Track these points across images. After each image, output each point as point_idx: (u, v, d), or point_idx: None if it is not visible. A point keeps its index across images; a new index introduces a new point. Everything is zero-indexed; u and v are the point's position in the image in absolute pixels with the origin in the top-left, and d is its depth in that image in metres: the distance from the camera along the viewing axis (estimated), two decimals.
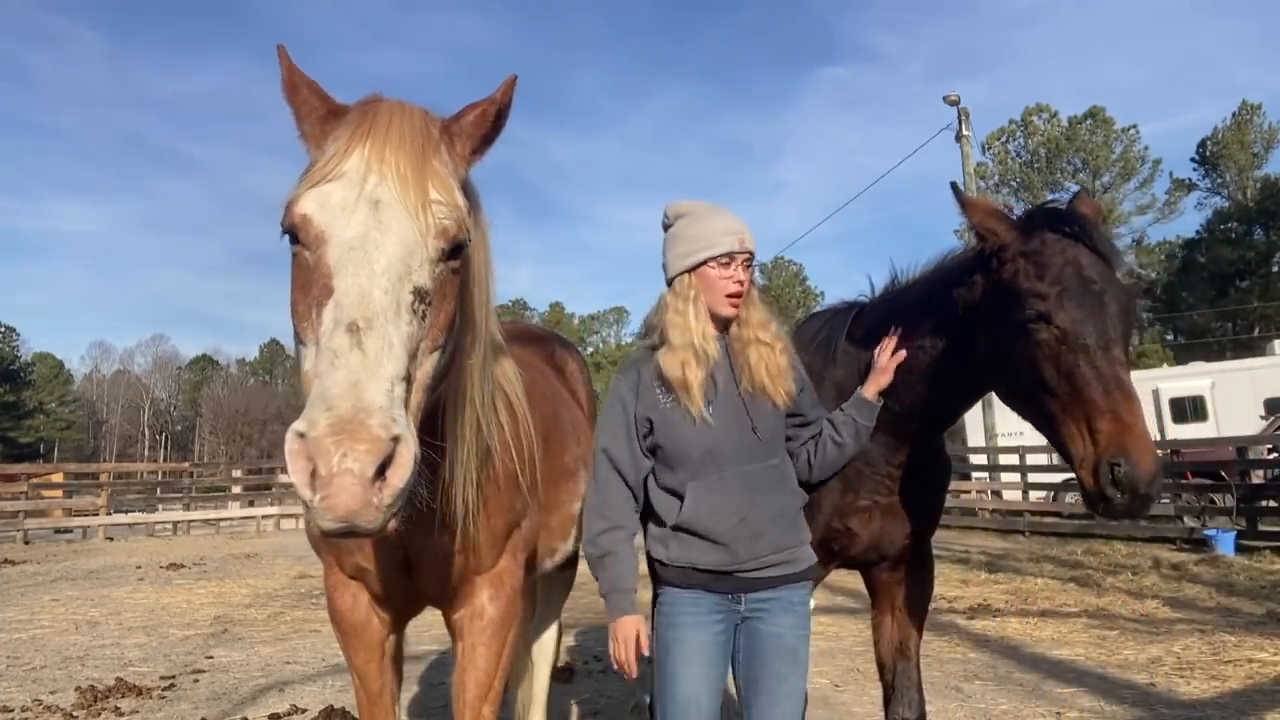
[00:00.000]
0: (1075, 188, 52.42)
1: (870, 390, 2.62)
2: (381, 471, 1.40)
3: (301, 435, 1.40)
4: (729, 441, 2.42)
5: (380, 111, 1.79)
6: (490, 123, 1.97)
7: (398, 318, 1.59)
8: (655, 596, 2.51)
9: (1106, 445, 2.14)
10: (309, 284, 1.66)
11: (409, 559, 2.39)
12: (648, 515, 2.52)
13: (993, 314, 2.46)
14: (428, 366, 1.70)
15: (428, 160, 1.77)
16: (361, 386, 1.43)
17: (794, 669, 2.42)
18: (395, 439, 1.41)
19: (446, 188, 1.78)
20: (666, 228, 2.60)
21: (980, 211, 2.54)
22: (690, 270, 2.46)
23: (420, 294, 1.66)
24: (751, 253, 2.48)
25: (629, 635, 2.32)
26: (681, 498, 2.41)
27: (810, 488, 2.60)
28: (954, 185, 2.58)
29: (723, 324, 2.49)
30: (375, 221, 1.65)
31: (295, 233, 1.70)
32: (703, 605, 2.41)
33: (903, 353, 2.66)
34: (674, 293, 2.49)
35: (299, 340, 1.69)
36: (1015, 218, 2.53)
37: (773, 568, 2.43)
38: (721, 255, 2.42)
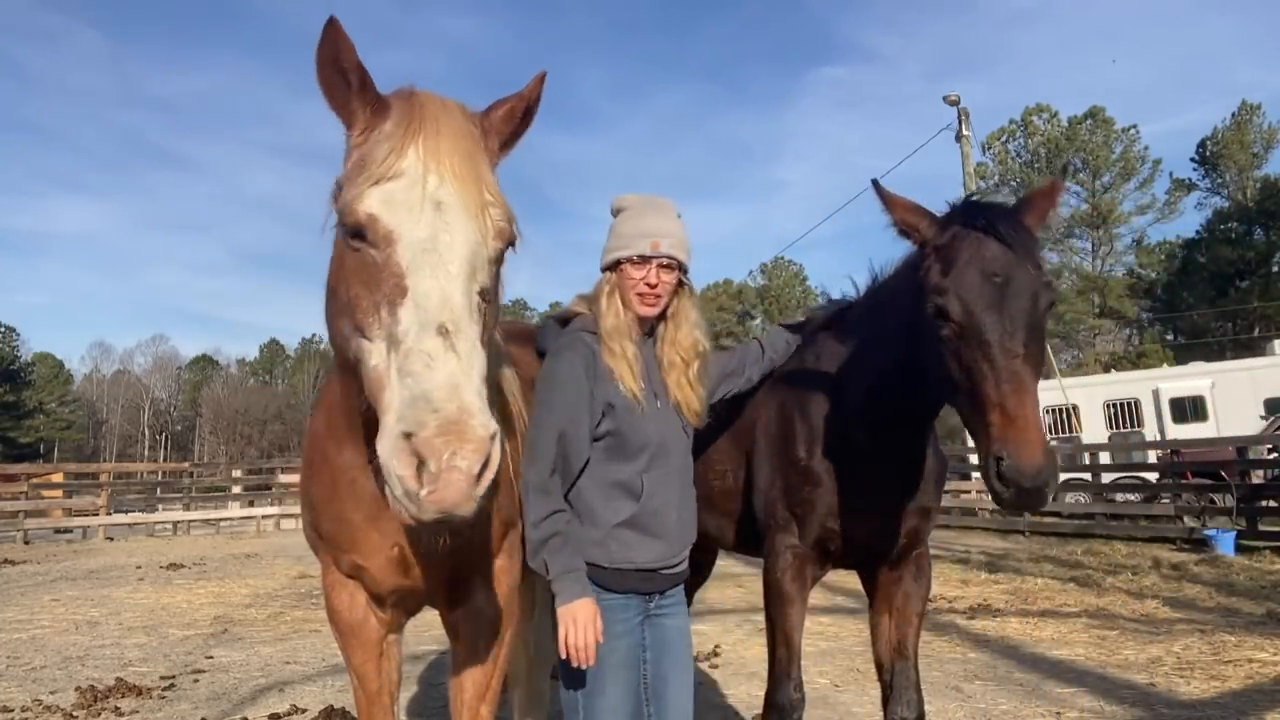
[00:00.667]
0: (1076, 188, 52.61)
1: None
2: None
3: (408, 435, 1.49)
4: (673, 434, 2.52)
5: (427, 108, 1.79)
6: (519, 119, 2.00)
7: (471, 319, 1.66)
8: None
9: (993, 439, 2.13)
10: (374, 281, 1.68)
11: (405, 558, 2.39)
12: (583, 517, 2.45)
13: (919, 312, 2.44)
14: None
15: (479, 161, 1.80)
16: (461, 389, 1.53)
17: (690, 656, 2.62)
18: (492, 437, 1.53)
19: (496, 189, 1.82)
20: (613, 216, 2.66)
21: (900, 209, 2.52)
22: (609, 267, 2.53)
23: (484, 294, 1.74)
24: (672, 257, 2.48)
25: (589, 618, 2.27)
26: (632, 492, 2.43)
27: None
28: (874, 182, 2.55)
29: (648, 324, 2.54)
30: (443, 223, 1.68)
31: (361, 230, 1.70)
32: (631, 609, 2.45)
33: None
34: (600, 285, 2.57)
35: (360, 334, 1.71)
36: (936, 214, 2.51)
37: (681, 565, 2.56)
38: (635, 256, 2.47)
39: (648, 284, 2.47)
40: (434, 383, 1.52)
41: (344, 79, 1.82)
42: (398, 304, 1.63)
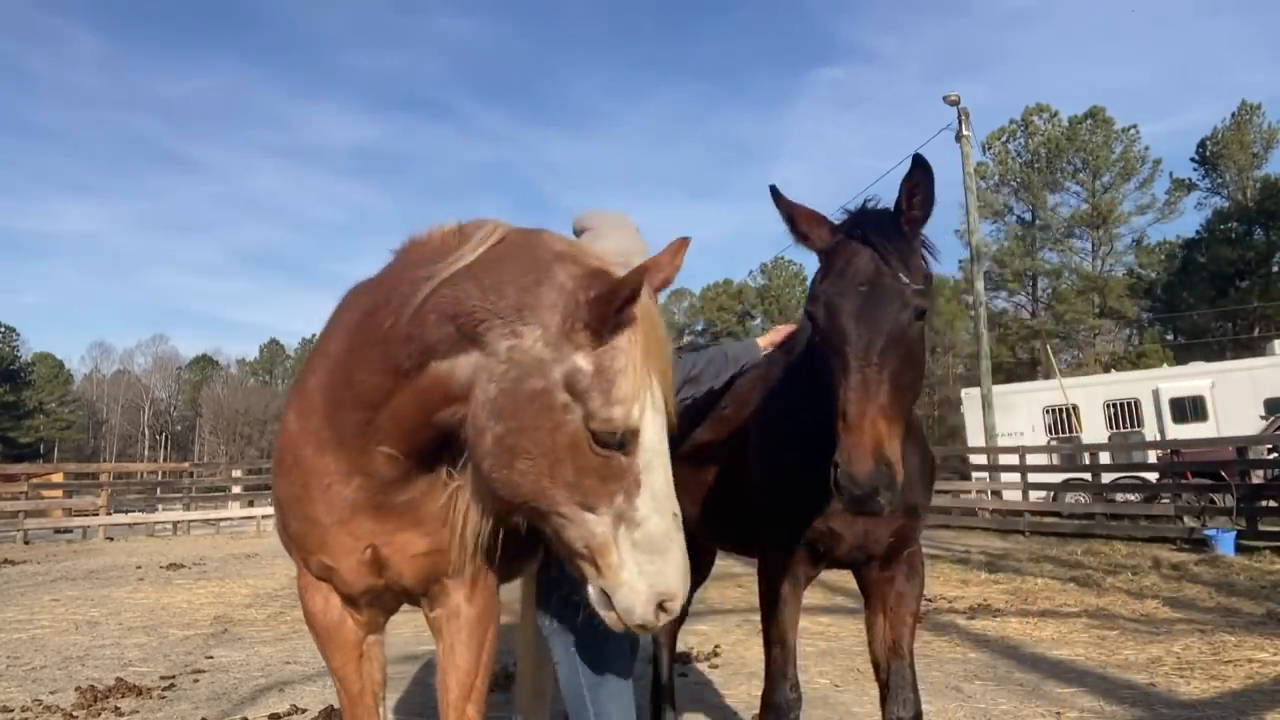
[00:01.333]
0: (1076, 188, 52.61)
1: (761, 340, 2.95)
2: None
3: (661, 595, 1.97)
4: None
5: (650, 322, 2.04)
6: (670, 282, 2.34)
7: None
8: (560, 583, 2.56)
9: (838, 444, 2.18)
10: (615, 479, 1.98)
11: (379, 558, 2.39)
12: None
13: None
14: None
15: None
16: (686, 570, 2.03)
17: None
18: None
19: None
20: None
21: (800, 218, 2.52)
22: None
23: None
24: None
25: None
26: None
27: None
28: (773, 188, 2.55)
29: None
30: (661, 424, 2.05)
31: (620, 442, 1.97)
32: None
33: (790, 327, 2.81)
34: None
35: (582, 507, 2.00)
36: (833, 222, 2.50)
37: None
38: None
39: None
40: (675, 563, 1.97)
41: (603, 317, 2.00)
42: (635, 494, 1.97)
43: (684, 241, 2.24)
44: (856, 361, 2.20)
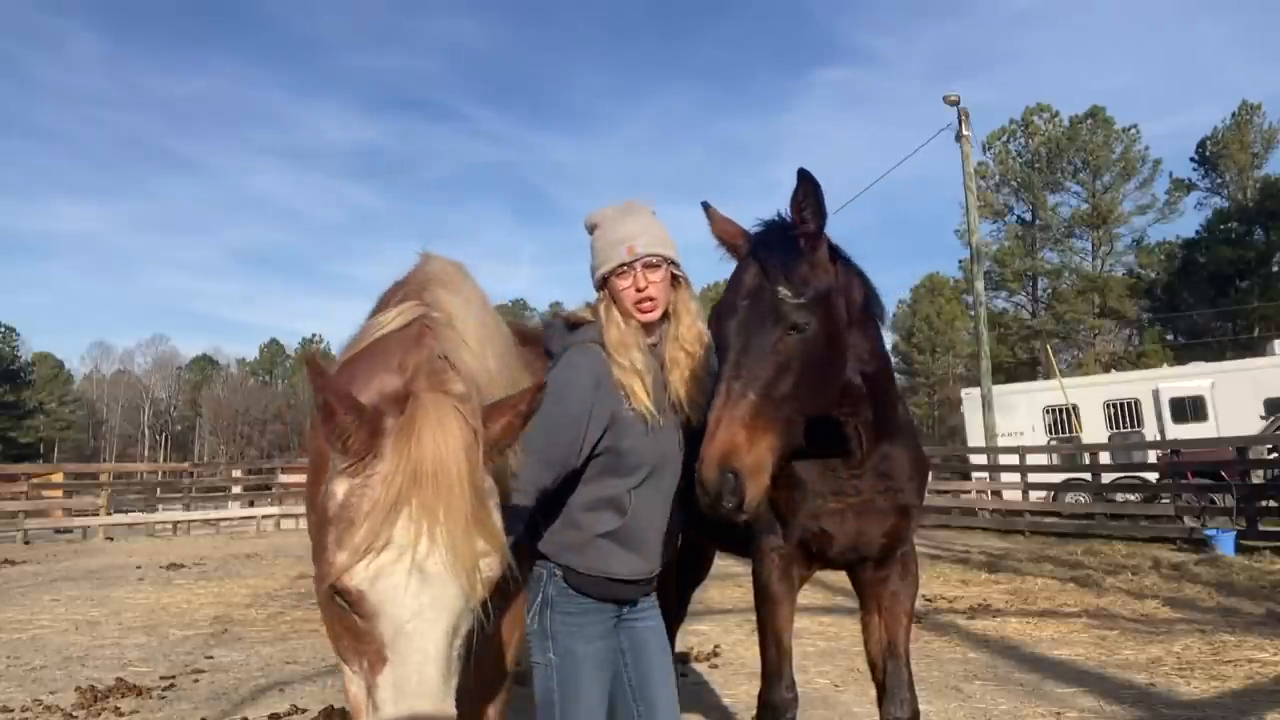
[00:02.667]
0: (1076, 188, 52.60)
1: None
2: None
3: None
4: (671, 452, 2.50)
5: (425, 444, 1.64)
6: (516, 431, 1.85)
7: (449, 680, 1.65)
8: (544, 601, 2.44)
9: None
10: (359, 639, 1.66)
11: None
12: (560, 521, 2.46)
13: None
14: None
15: (477, 508, 1.67)
16: None
17: (667, 653, 2.63)
18: None
19: (494, 532, 1.71)
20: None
21: (721, 234, 2.61)
22: (600, 287, 2.53)
23: (462, 636, 1.70)
24: (653, 254, 2.44)
25: None
26: (619, 508, 2.42)
27: None
28: (705, 204, 2.63)
29: (653, 328, 2.50)
30: (428, 599, 1.60)
31: (346, 600, 1.64)
32: (605, 613, 2.46)
33: None
34: (597, 303, 2.56)
35: (343, 656, 1.75)
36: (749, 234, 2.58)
37: (655, 575, 2.57)
38: (618, 267, 2.45)
39: (637, 289, 2.44)
40: None
41: (335, 413, 1.67)
42: (378, 670, 1.61)
43: (534, 395, 1.82)
44: (725, 372, 2.26)
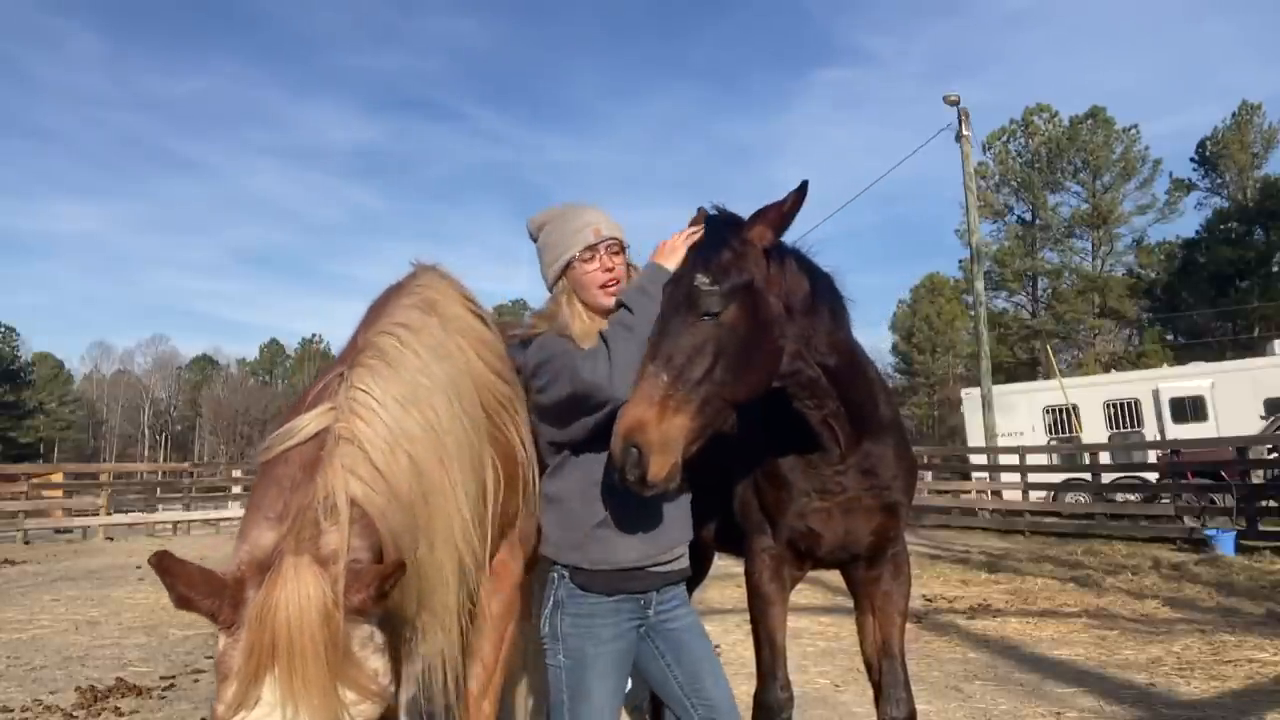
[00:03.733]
0: (1076, 188, 52.60)
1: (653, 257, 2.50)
2: None
3: None
4: None
5: (279, 630, 1.78)
6: (375, 603, 1.88)
7: None
8: (554, 604, 2.46)
9: None
10: None
11: None
12: (559, 521, 2.48)
13: None
14: None
15: (342, 667, 1.79)
16: None
17: (709, 645, 2.60)
18: None
19: (364, 682, 1.81)
20: (535, 241, 2.66)
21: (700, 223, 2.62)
22: (561, 275, 2.54)
23: None
24: (615, 239, 2.53)
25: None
26: (606, 493, 2.42)
27: None
28: (701, 211, 2.63)
29: (608, 313, 2.50)
30: None
31: None
32: (621, 613, 2.43)
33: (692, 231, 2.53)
34: (554, 299, 2.57)
35: None
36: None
37: (674, 562, 2.52)
38: (583, 251, 2.49)
39: (605, 269, 2.50)
40: None
41: (192, 603, 1.84)
42: None
43: (396, 576, 1.86)
44: (646, 354, 2.30)
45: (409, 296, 2.48)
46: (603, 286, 2.50)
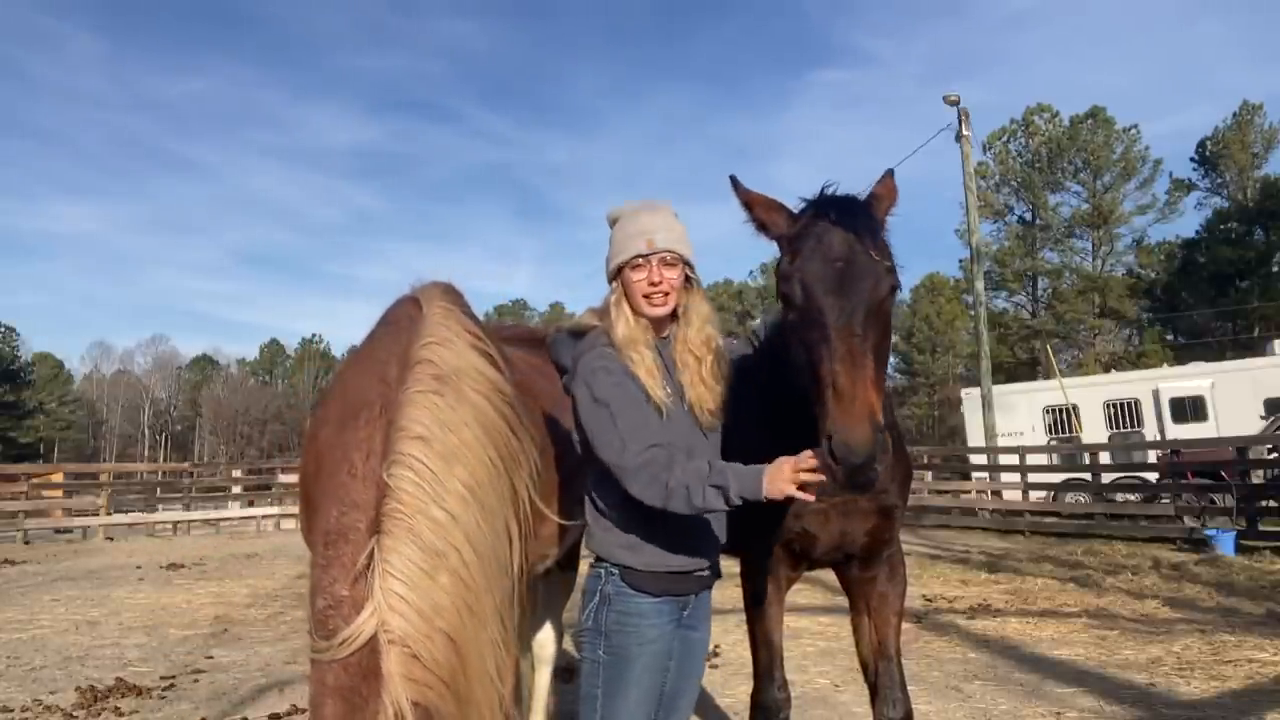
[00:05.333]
0: (1076, 188, 52.59)
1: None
2: None
3: None
4: (696, 438, 2.47)
5: None
6: None
7: None
8: (601, 599, 2.44)
9: (825, 418, 2.14)
10: None
11: None
12: (612, 522, 2.46)
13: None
14: None
15: None
16: None
17: (703, 667, 2.69)
18: None
19: None
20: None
21: (758, 205, 2.54)
22: (614, 277, 2.53)
23: None
24: (670, 251, 2.47)
25: (785, 466, 2.21)
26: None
27: None
28: (732, 178, 2.57)
29: (663, 326, 2.52)
30: None
31: None
32: (664, 615, 2.43)
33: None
34: (607, 298, 2.56)
35: None
36: (791, 209, 2.53)
37: (710, 569, 2.54)
38: (634, 258, 2.46)
39: (651, 282, 2.45)
40: None
41: None
42: None
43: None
44: (841, 333, 2.20)
45: (419, 369, 2.50)
46: (647, 296, 2.47)
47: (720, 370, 2.54)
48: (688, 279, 2.53)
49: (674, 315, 2.53)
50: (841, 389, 2.12)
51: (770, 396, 2.79)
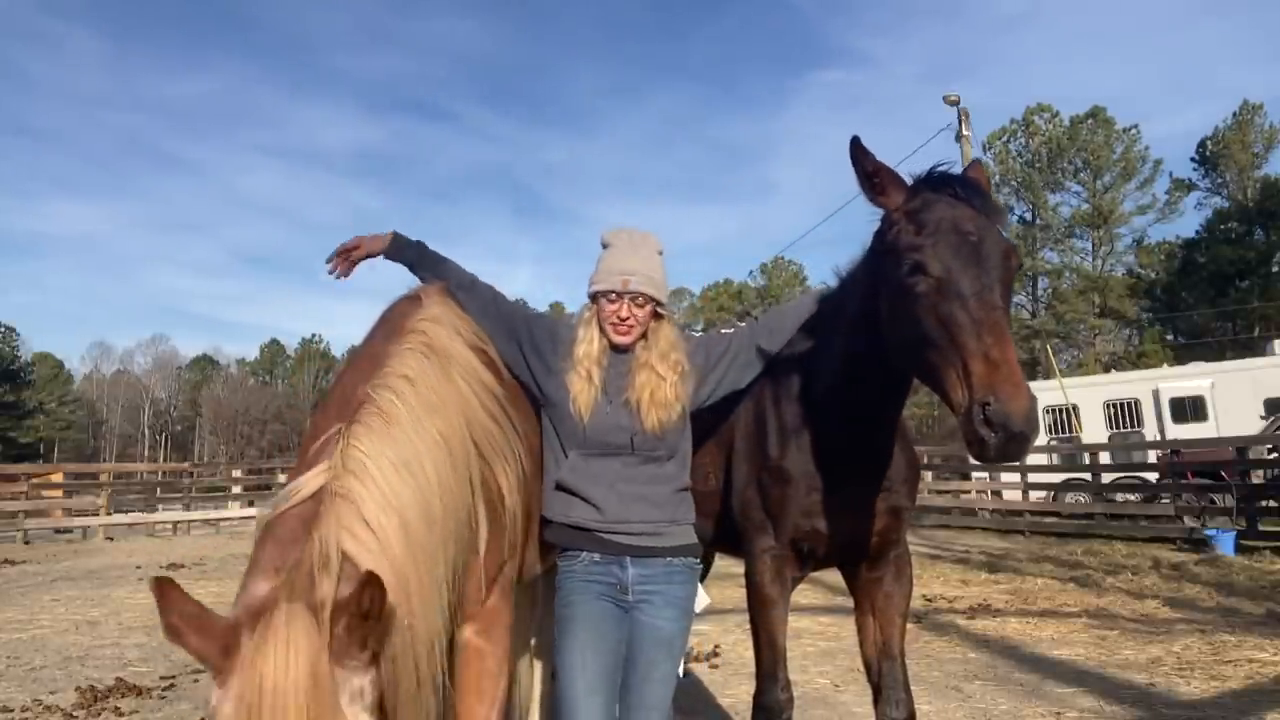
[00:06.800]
0: (1076, 188, 52.59)
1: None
2: None
3: None
4: (609, 437, 2.66)
5: (265, 682, 1.75)
6: (363, 633, 1.86)
7: None
8: (559, 560, 2.73)
9: (977, 386, 2.12)
10: None
11: None
12: (546, 486, 2.77)
13: (885, 279, 2.48)
14: None
15: (329, 717, 1.79)
16: None
17: (667, 657, 2.65)
18: None
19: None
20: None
21: (883, 173, 2.56)
22: (591, 297, 2.77)
23: None
24: (643, 294, 2.69)
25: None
26: (560, 460, 2.71)
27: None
28: (855, 140, 2.57)
29: (630, 348, 2.75)
30: None
31: None
32: (593, 575, 2.62)
33: None
34: (582, 310, 2.83)
35: None
36: (904, 182, 2.54)
37: (641, 536, 2.63)
38: (609, 291, 2.69)
39: (619, 316, 2.69)
40: None
41: (183, 636, 1.86)
42: None
43: (372, 591, 1.82)
44: (987, 306, 2.21)
45: (412, 336, 2.54)
46: (614, 325, 2.70)
47: (679, 392, 2.72)
48: (657, 313, 2.74)
49: (641, 336, 2.74)
50: (996, 359, 2.13)
51: (852, 349, 2.79)
